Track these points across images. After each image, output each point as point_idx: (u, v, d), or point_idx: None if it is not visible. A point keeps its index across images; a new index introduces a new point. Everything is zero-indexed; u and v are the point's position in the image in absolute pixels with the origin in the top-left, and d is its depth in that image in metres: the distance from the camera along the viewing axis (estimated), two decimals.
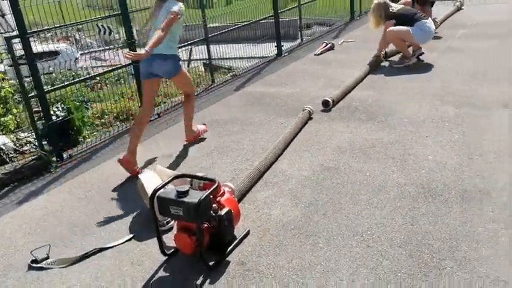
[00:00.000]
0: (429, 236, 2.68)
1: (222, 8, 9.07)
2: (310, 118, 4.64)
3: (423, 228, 2.77)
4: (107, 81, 8.93)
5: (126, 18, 4.97)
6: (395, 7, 6.03)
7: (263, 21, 7.67)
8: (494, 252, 2.49)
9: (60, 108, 4.99)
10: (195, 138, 4.41)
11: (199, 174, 2.96)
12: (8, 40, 4.12)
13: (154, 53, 3.62)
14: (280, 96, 5.49)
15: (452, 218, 2.83)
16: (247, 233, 2.96)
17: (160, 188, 2.70)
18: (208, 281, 2.58)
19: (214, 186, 2.69)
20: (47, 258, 2.95)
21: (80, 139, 4.96)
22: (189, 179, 2.85)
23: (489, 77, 5.31)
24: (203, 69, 9.13)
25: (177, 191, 2.63)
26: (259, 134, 4.47)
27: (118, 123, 5.58)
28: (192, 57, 10.73)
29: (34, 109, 4.61)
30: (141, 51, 3.71)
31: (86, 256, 2.94)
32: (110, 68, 5.72)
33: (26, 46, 4.13)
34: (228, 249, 2.80)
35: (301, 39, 8.55)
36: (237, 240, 2.88)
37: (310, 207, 3.14)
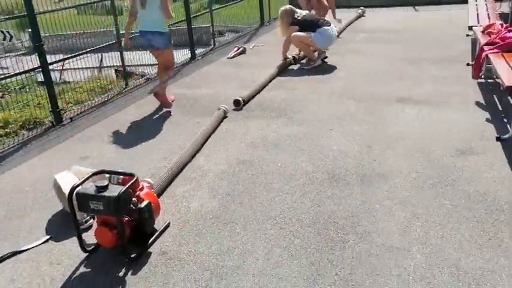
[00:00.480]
0: (334, 215, 2.97)
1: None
2: (225, 117, 4.83)
3: (329, 208, 3.05)
4: (9, 89, 8.47)
5: (33, 21, 4.83)
6: (300, 14, 6.43)
7: (175, 26, 7.77)
8: (389, 224, 2.83)
9: None
10: (166, 101, 5.25)
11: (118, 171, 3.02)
12: None
13: (154, 30, 4.93)
14: (195, 98, 5.63)
15: (353, 198, 3.15)
16: (168, 225, 3.07)
17: (78, 185, 2.73)
18: (130, 272, 2.66)
19: (133, 180, 2.77)
20: None
21: None
22: (107, 175, 2.90)
23: (384, 76, 5.85)
24: (115, 76, 9.03)
25: (96, 186, 2.67)
26: (176, 133, 4.57)
27: (24, 131, 5.33)
28: (102, 64, 10.55)
29: None
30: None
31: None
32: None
33: None
34: (150, 241, 2.88)
35: (214, 44, 8.75)
36: (158, 232, 2.98)
37: (227, 198, 3.31)
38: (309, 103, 5.08)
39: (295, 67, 6.65)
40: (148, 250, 2.83)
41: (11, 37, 17.30)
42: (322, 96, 5.29)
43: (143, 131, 4.73)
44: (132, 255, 2.76)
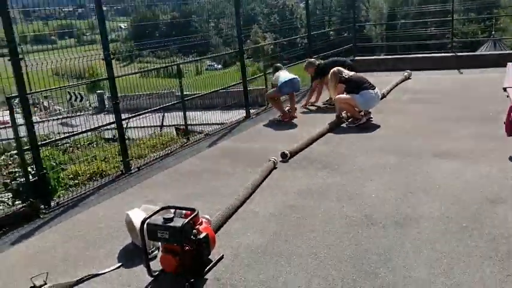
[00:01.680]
0: (369, 252, 3.34)
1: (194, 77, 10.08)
2: (274, 167, 5.34)
3: (364, 247, 3.42)
4: (78, 145, 9.48)
5: (113, 83, 5.65)
6: (347, 74, 7.03)
7: (233, 88, 8.56)
8: (417, 260, 3.16)
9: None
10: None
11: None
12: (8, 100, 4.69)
13: None
14: (249, 150, 6.21)
15: (387, 238, 3.50)
16: (221, 257, 3.53)
17: (149, 217, 3.28)
18: None
19: (194, 214, 3.30)
20: (45, 284, 3.40)
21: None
22: (172, 210, 3.44)
23: (423, 132, 6.21)
24: (175, 133, 9.89)
25: (164, 218, 3.22)
26: (231, 180, 5.11)
27: (91, 183, 5.92)
28: (164, 123, 11.54)
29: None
30: None
31: (80, 281, 3.42)
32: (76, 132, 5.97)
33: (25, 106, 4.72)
34: (206, 269, 3.35)
35: (267, 105, 9.42)
36: (214, 262, 3.44)
37: (274, 236, 3.75)
38: (352, 157, 5.51)
39: (343, 125, 7.13)
40: (205, 277, 3.29)
41: (82, 98, 19.18)
42: (365, 150, 5.70)
43: (202, 178, 5.31)
44: (191, 280, 3.23)
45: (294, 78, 7.77)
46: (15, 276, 3.59)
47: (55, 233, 4.32)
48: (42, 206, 4.89)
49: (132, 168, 5.93)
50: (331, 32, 15.83)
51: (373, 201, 4.21)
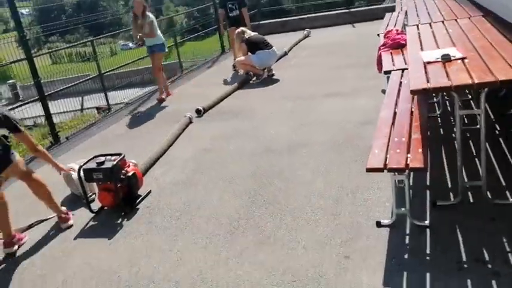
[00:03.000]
0: (267, 171, 4.22)
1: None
2: (190, 122, 6.08)
3: (263, 168, 4.30)
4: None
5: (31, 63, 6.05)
6: (248, 34, 7.85)
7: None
8: (304, 172, 4.09)
9: None
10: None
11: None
12: None
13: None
14: (166, 112, 6.89)
15: (281, 160, 4.41)
16: (149, 192, 4.25)
17: (83, 164, 3.93)
18: (126, 219, 3.83)
19: (121, 157, 3.99)
20: None
21: None
22: (102, 158, 4.09)
23: (317, 80, 7.21)
24: (97, 113, 10.29)
25: (96, 162, 3.89)
26: (153, 137, 5.77)
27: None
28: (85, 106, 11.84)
29: None
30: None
31: (31, 226, 4.01)
32: None
33: None
34: (137, 201, 4.07)
35: (182, 71, 10.06)
36: (142, 196, 4.17)
37: (192, 172, 4.53)
38: (257, 107, 6.37)
39: (251, 82, 7.97)
40: (137, 207, 4.01)
41: None
42: (268, 100, 6.59)
43: (127, 139, 5.94)
44: (126, 211, 3.94)
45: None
46: None
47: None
48: None
49: (60, 138, 6.41)
50: None
51: (273, 136, 5.10)
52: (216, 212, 3.68)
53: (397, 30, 5.91)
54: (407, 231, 3.00)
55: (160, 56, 7.67)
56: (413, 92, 2.94)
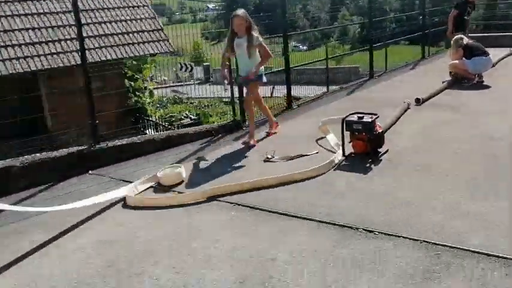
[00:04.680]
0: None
1: None
2: (408, 108, 6.99)
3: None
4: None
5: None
6: (466, 41, 8.49)
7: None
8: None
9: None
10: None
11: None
12: None
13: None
14: (383, 98, 7.92)
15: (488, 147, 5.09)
16: (387, 150, 5.26)
17: (346, 117, 5.11)
18: (373, 165, 4.89)
19: (377, 116, 5.07)
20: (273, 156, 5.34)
21: None
22: (361, 115, 5.20)
23: None
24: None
25: (357, 116, 5.04)
26: (381, 112, 6.73)
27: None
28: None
29: None
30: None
31: (292, 158, 5.30)
32: None
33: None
34: (379, 154, 5.12)
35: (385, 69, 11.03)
36: (383, 151, 5.20)
37: (422, 141, 5.45)
38: (469, 103, 7.06)
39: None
40: (380, 158, 5.05)
41: (192, 68, 22.24)
42: (478, 100, 7.24)
43: (355, 109, 7.09)
44: (373, 159, 5.01)
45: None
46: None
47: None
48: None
49: (293, 105, 7.88)
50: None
51: (486, 127, 5.81)
52: (452, 171, 4.55)
53: None
54: None
55: (257, 85, 5.99)
56: None
